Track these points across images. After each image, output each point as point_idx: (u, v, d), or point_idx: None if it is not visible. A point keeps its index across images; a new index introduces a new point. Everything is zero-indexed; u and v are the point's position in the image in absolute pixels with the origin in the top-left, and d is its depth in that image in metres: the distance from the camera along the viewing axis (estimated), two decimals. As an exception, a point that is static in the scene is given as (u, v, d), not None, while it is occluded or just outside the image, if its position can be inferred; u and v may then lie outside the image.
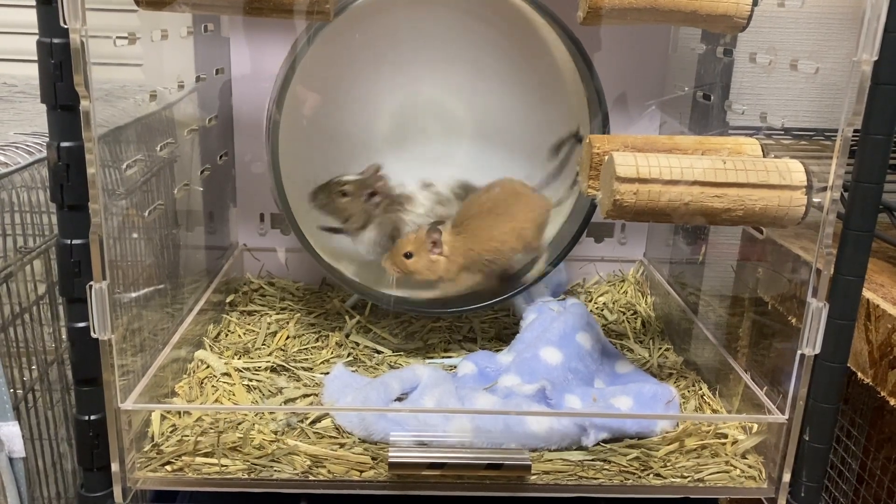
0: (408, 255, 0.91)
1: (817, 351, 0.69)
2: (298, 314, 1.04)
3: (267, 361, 0.91)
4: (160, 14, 0.69)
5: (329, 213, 0.97)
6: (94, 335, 0.66)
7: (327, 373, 0.88)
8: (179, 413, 0.79)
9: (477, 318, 1.04)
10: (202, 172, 0.99)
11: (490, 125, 1.05)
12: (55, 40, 0.60)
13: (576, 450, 0.77)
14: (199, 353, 0.92)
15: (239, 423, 0.77)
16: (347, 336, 0.99)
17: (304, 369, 0.91)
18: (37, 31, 0.61)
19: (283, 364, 0.91)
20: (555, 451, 0.76)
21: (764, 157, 0.76)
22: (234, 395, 0.85)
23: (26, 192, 0.77)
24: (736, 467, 0.76)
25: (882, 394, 0.74)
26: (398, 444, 0.75)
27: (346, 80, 1.01)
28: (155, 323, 0.82)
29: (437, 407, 0.80)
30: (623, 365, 0.93)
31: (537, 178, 1.00)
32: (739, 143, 0.78)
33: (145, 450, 0.74)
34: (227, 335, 0.98)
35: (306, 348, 0.96)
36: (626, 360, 0.94)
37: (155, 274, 0.85)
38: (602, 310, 1.09)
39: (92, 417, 0.69)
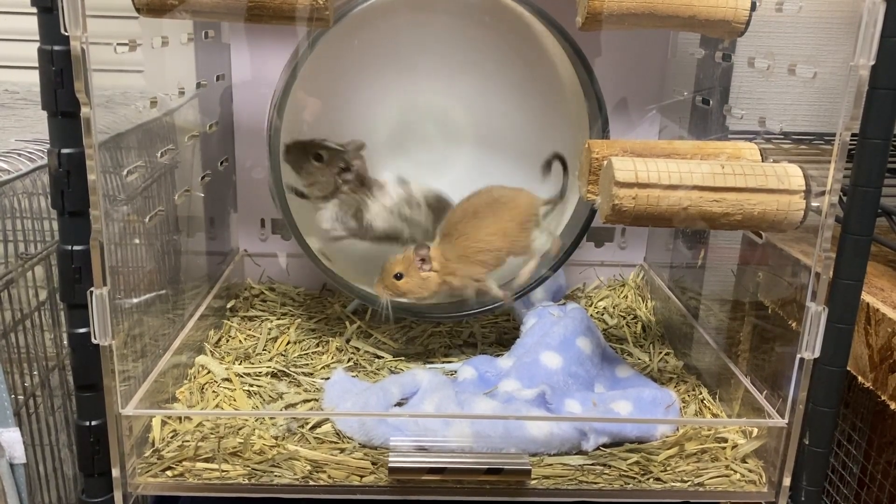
0: (398, 276, 0.91)
1: (817, 355, 0.69)
2: (299, 319, 1.04)
3: (267, 367, 0.91)
4: (161, 21, 0.69)
5: (296, 173, 0.94)
6: (94, 341, 0.66)
7: (328, 378, 0.88)
8: (180, 418, 0.79)
9: (477, 322, 1.04)
10: (203, 178, 0.99)
11: (491, 130, 1.05)
12: (56, 47, 0.61)
13: (576, 454, 0.77)
14: (200, 359, 0.92)
15: (239, 429, 0.77)
16: (348, 341, 0.99)
17: (305, 374, 0.91)
18: (38, 38, 0.61)
19: (284, 369, 0.91)
20: (555, 455, 0.76)
21: (763, 161, 0.76)
22: (234, 400, 0.85)
23: (27, 199, 0.77)
24: (736, 471, 0.76)
25: (882, 398, 0.74)
26: (398, 448, 0.75)
27: (347, 85, 1.02)
28: (156, 328, 0.83)
29: (436, 412, 0.80)
30: (623, 369, 0.93)
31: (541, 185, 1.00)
32: (738, 148, 0.78)
33: (146, 455, 0.74)
34: (227, 340, 0.99)
35: (307, 353, 0.96)
36: (627, 365, 0.94)
37: (156, 279, 0.85)
38: (602, 314, 1.09)
39: (93, 423, 0.69)
